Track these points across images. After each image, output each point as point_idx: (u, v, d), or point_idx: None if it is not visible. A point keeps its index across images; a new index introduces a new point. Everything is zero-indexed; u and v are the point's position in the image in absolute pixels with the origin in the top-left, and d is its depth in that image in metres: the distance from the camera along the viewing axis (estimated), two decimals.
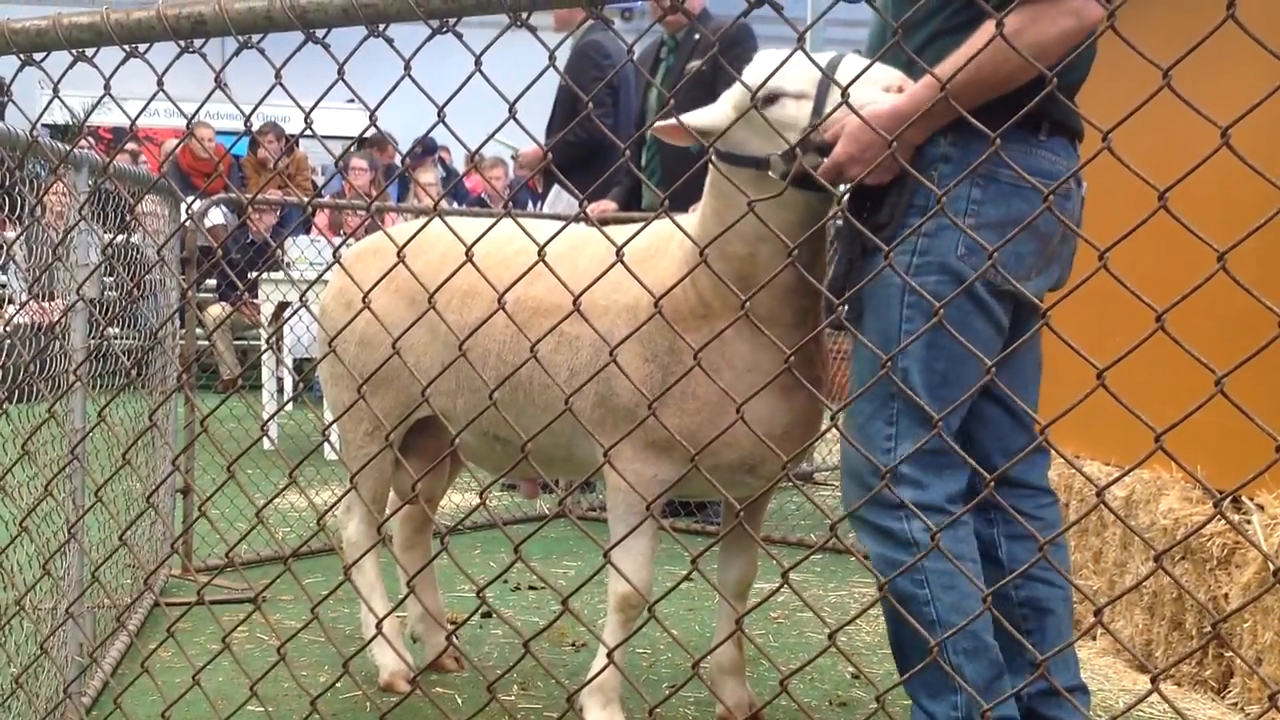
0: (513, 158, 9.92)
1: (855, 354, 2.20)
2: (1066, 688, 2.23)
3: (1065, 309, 1.22)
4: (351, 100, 1.65)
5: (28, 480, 2.35)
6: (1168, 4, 3.05)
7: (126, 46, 1.67)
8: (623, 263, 1.51)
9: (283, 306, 7.11)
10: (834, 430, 1.71)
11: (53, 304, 3.08)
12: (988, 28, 1.85)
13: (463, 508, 5.18)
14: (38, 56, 1.75)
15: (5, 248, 2.22)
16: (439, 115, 1.51)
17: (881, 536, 2.10)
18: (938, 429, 1.30)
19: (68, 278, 2.58)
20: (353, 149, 10.57)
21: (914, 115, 1.86)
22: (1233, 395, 1.07)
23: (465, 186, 11.56)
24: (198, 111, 1.92)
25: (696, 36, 4.99)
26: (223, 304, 8.48)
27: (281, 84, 1.57)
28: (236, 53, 1.60)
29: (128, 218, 3.14)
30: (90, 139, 10.78)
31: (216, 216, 8.62)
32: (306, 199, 4.74)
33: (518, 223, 1.67)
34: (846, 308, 1.89)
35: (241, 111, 1.64)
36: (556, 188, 6.03)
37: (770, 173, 2.09)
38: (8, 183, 2.38)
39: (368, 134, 8.97)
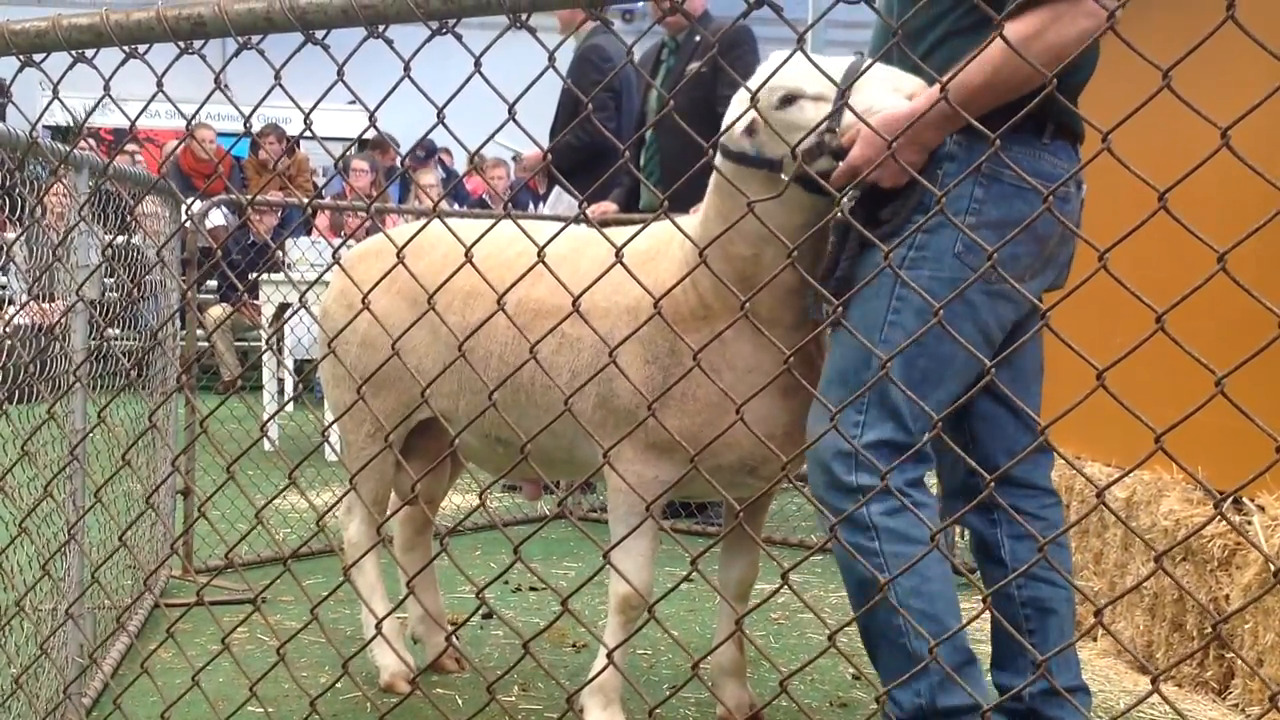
0: (514, 159, 9.93)
1: (834, 338, 2.18)
2: (1068, 688, 2.23)
3: (1066, 310, 1.22)
4: (353, 101, 1.65)
5: (28, 481, 2.35)
6: (1168, 5, 3.04)
7: (126, 48, 1.67)
8: (623, 264, 1.51)
9: (283, 308, 7.11)
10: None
11: (53, 305, 3.08)
12: (1008, 30, 1.84)
13: (463, 509, 5.18)
14: (37, 58, 1.75)
15: (5, 249, 2.22)
16: (438, 117, 1.51)
17: (843, 523, 2.06)
18: (937, 430, 1.30)
19: (68, 279, 2.58)
20: (352, 150, 10.58)
21: (931, 118, 1.85)
22: (1233, 396, 1.07)
23: (466, 188, 11.56)
24: (197, 112, 1.91)
25: (697, 38, 5.00)
26: (223, 305, 8.48)
27: (281, 85, 1.57)
28: (236, 54, 1.60)
29: (128, 219, 3.14)
30: (91, 140, 10.80)
31: (217, 218, 8.63)
32: (307, 200, 4.73)
33: (518, 224, 1.67)
34: (842, 309, 1.89)
35: (241, 113, 1.64)
36: (558, 189, 6.04)
37: (783, 175, 2.08)
38: (8, 184, 2.38)
39: (368, 135, 8.97)
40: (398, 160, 10.27)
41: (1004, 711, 2.26)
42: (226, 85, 1.67)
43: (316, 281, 2.69)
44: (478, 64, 1.45)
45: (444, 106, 1.49)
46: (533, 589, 3.97)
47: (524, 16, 1.43)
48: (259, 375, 7.50)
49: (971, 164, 1.98)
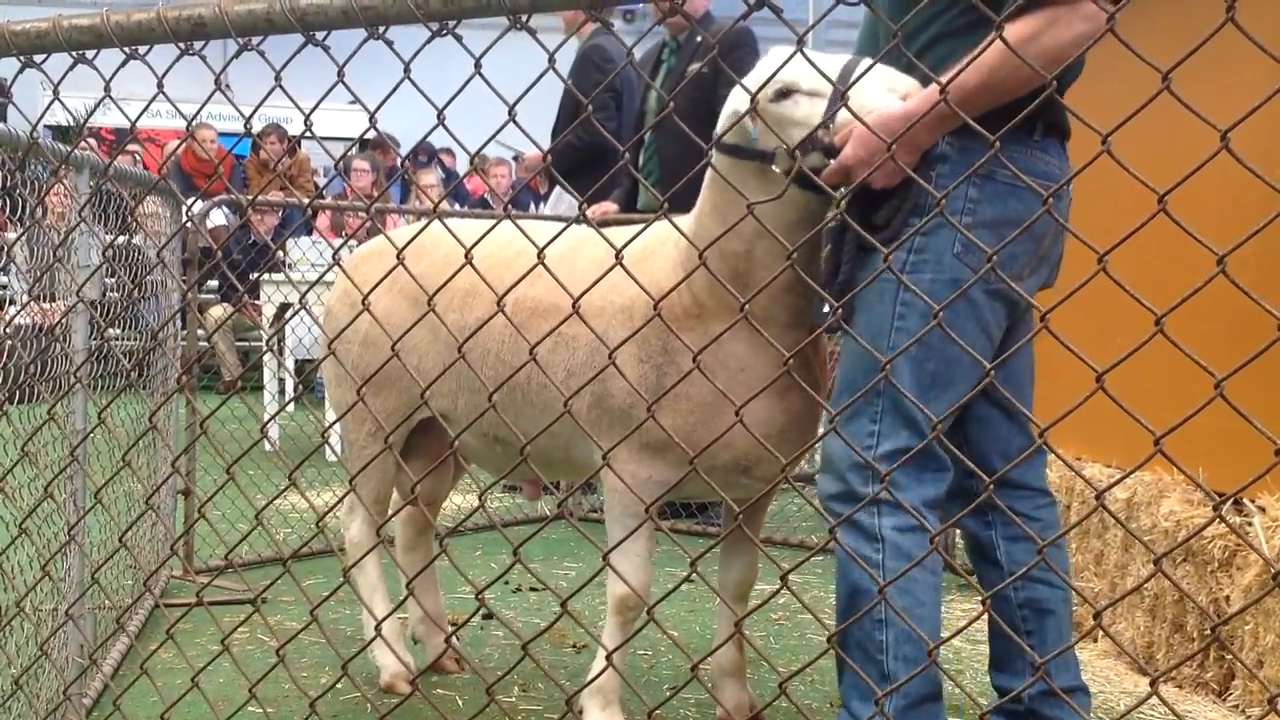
0: (515, 159, 9.93)
1: (843, 348, 2.19)
2: (1066, 688, 2.22)
3: (1065, 311, 1.21)
4: (353, 102, 1.65)
5: (28, 482, 2.36)
6: (1168, 6, 3.05)
7: (126, 48, 1.67)
8: (622, 265, 1.51)
9: (284, 308, 7.12)
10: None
11: (53, 305, 3.08)
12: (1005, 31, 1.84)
13: (464, 509, 5.18)
14: (38, 58, 1.75)
15: (6, 249, 2.22)
16: (438, 118, 1.51)
17: (849, 527, 2.06)
18: (936, 431, 1.30)
19: (68, 279, 2.58)
20: (352, 151, 10.58)
21: (926, 119, 1.85)
22: (1233, 398, 1.07)
23: (467, 188, 11.56)
24: (198, 113, 1.92)
25: (699, 39, 5.00)
26: (224, 305, 8.48)
27: (281, 86, 1.57)
28: (236, 54, 1.60)
29: (129, 219, 3.14)
30: (92, 140, 10.80)
31: (218, 218, 8.63)
32: (307, 200, 4.73)
33: (516, 225, 1.67)
34: (842, 311, 1.88)
35: (241, 114, 1.64)
36: (559, 189, 6.04)
37: (774, 167, 2.08)
38: (9, 184, 2.38)
39: (368, 136, 8.97)
40: (398, 161, 10.28)
41: (1003, 712, 2.26)
42: (228, 86, 1.67)
43: (317, 282, 2.69)
44: (478, 65, 1.45)
45: (444, 108, 1.49)
46: (533, 589, 3.97)
47: (524, 18, 1.43)
48: (260, 375, 7.50)
49: (965, 164, 1.99)
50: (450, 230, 1.78)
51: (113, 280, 3.60)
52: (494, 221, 1.87)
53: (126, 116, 1.78)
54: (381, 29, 1.51)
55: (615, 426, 2.37)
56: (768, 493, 2.61)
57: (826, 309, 2.20)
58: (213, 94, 1.69)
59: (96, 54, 1.72)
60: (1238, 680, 2.89)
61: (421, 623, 3.13)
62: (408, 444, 2.95)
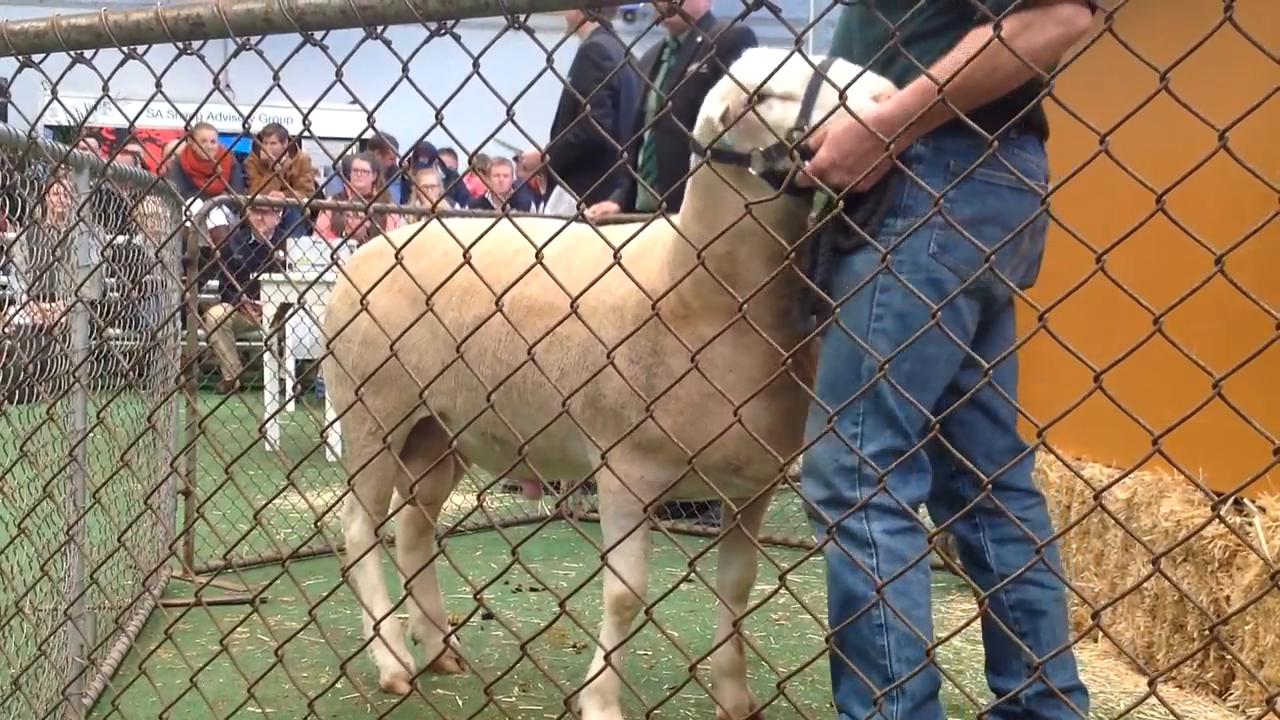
0: (515, 159, 9.93)
1: (822, 350, 2.18)
2: (1064, 688, 2.22)
3: (1063, 311, 1.21)
4: (353, 102, 1.65)
5: (28, 482, 2.36)
6: (1166, 6, 3.04)
7: (125, 48, 1.67)
8: (620, 265, 1.51)
9: (284, 308, 7.12)
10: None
11: (53, 305, 3.08)
12: (978, 34, 1.84)
13: (464, 509, 5.18)
14: (36, 58, 1.75)
15: (5, 249, 2.22)
16: (437, 118, 1.51)
17: (839, 533, 2.04)
18: (935, 431, 1.29)
19: (68, 279, 2.58)
20: (352, 151, 10.58)
21: (899, 121, 1.84)
22: (1232, 398, 1.07)
23: (467, 188, 11.56)
24: (196, 113, 1.91)
25: (698, 39, 5.00)
26: (224, 305, 8.48)
27: (280, 86, 1.57)
28: (235, 54, 1.60)
29: (128, 219, 3.14)
30: (92, 140, 10.80)
31: (218, 217, 8.63)
32: (307, 200, 4.73)
33: (514, 224, 1.67)
34: (821, 314, 1.88)
35: (240, 114, 1.64)
36: (559, 189, 6.04)
37: (750, 169, 2.08)
38: (8, 184, 2.38)
39: (367, 136, 8.95)
40: (397, 161, 10.28)
41: (1000, 714, 2.26)
42: (227, 85, 1.67)
43: (316, 281, 2.69)
44: (476, 65, 1.45)
45: (442, 107, 1.49)
46: (533, 589, 3.97)
47: (522, 17, 1.43)
48: (260, 375, 7.50)
49: (939, 164, 1.99)
50: (448, 229, 1.78)
51: (112, 280, 3.61)
52: (492, 222, 1.87)
53: (125, 116, 1.78)
54: (380, 29, 1.52)
55: (608, 426, 2.37)
56: (766, 493, 2.61)
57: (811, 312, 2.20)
58: (211, 93, 1.69)
59: (95, 54, 1.72)
60: (1238, 680, 2.88)
61: (421, 623, 3.13)
62: (408, 444, 2.95)
